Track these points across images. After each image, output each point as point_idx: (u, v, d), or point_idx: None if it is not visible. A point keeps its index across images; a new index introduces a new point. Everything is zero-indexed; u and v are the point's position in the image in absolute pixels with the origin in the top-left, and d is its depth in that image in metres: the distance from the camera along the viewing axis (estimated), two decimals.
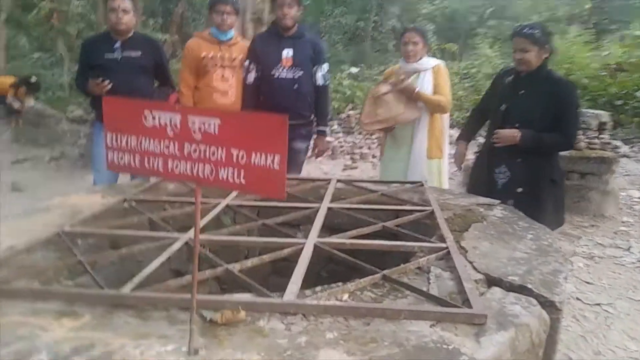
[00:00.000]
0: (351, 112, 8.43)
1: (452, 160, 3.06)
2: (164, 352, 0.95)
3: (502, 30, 14.05)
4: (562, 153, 4.91)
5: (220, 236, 1.60)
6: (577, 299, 3.04)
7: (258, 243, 1.67)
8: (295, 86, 3.07)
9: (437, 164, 3.13)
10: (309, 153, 3.48)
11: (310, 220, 1.75)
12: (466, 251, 1.50)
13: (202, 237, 1.56)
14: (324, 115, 3.30)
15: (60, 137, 7.75)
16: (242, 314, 1.07)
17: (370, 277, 1.27)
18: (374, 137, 7.45)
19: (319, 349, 0.96)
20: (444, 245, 1.49)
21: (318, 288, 1.23)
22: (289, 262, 1.41)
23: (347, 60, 13.19)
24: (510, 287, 1.27)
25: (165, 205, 2.05)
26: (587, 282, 3.30)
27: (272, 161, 0.81)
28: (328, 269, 2.30)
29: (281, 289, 1.19)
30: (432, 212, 1.82)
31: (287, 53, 3.06)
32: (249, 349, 0.96)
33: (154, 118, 0.86)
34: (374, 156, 7.18)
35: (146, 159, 0.89)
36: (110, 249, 1.80)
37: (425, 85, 3.05)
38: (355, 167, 6.90)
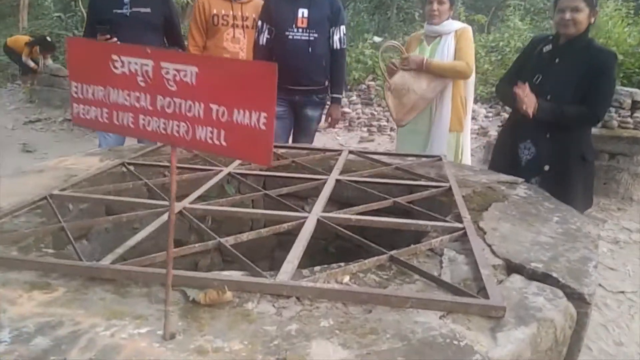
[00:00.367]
0: (371, 83, 8.16)
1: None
2: (137, 335, 0.85)
3: (534, 2, 13.40)
4: (592, 131, 4.70)
5: (218, 207, 1.48)
6: (600, 285, 2.88)
7: (257, 215, 1.56)
8: (310, 48, 2.89)
9: (455, 137, 2.92)
10: (322, 122, 3.31)
11: (318, 192, 1.62)
12: (484, 233, 1.36)
13: (197, 206, 1.44)
14: (339, 82, 3.11)
15: None
16: (229, 294, 0.96)
17: (376, 257, 1.14)
18: None
19: (311, 339, 0.85)
20: (460, 225, 1.34)
21: (317, 268, 1.11)
22: (294, 237, 1.29)
23: (371, 30, 12.75)
24: (533, 275, 1.13)
25: (165, 171, 1.94)
26: (611, 268, 3.13)
27: (258, 120, 0.67)
28: (336, 245, 2.18)
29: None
30: (449, 189, 1.67)
31: (303, 13, 2.87)
32: (231, 336, 0.85)
33: (123, 64, 0.73)
34: (392, 129, 6.96)
35: (115, 114, 0.76)
36: (107, 215, 1.71)
37: (446, 50, 2.81)
38: (372, 140, 6.70)
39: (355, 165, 2.03)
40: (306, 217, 1.35)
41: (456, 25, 2.88)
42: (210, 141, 0.71)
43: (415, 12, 14.45)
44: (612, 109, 4.55)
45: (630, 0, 9.48)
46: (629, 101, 4.76)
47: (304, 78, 2.93)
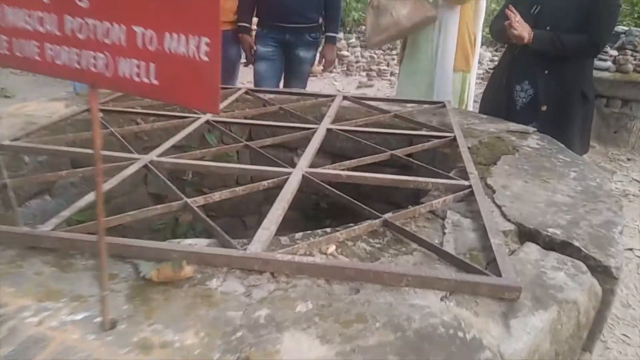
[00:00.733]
0: None
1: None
2: (70, 323, 0.69)
3: None
4: (604, 76, 4.42)
5: (189, 160, 1.30)
6: None
7: (235, 170, 1.38)
8: None
9: (461, 78, 2.62)
10: (316, 64, 3.05)
11: (308, 143, 1.43)
12: (493, 191, 1.18)
13: (166, 159, 1.26)
14: (334, 19, 2.83)
15: None
16: (188, 269, 0.80)
17: (367, 222, 0.97)
18: (393, 52, 6.84)
19: (283, 329, 0.69)
20: (465, 182, 1.17)
21: (298, 235, 0.95)
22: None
23: None
24: (551, 244, 0.97)
25: (138, 118, 1.74)
26: None
27: (197, 48, 0.48)
28: (329, 200, 2.02)
29: None
30: (454, 140, 1.48)
31: None
32: (186, 325, 0.69)
33: None
34: (392, 74, 6.64)
35: (14, 43, 0.56)
36: (73, 168, 1.53)
37: None
38: (371, 85, 6.42)
39: (350, 113, 1.83)
40: (290, 173, 1.17)
41: None
42: (137, 78, 0.51)
43: None
44: (628, 52, 4.26)
45: None
46: None
47: (295, 14, 2.65)
